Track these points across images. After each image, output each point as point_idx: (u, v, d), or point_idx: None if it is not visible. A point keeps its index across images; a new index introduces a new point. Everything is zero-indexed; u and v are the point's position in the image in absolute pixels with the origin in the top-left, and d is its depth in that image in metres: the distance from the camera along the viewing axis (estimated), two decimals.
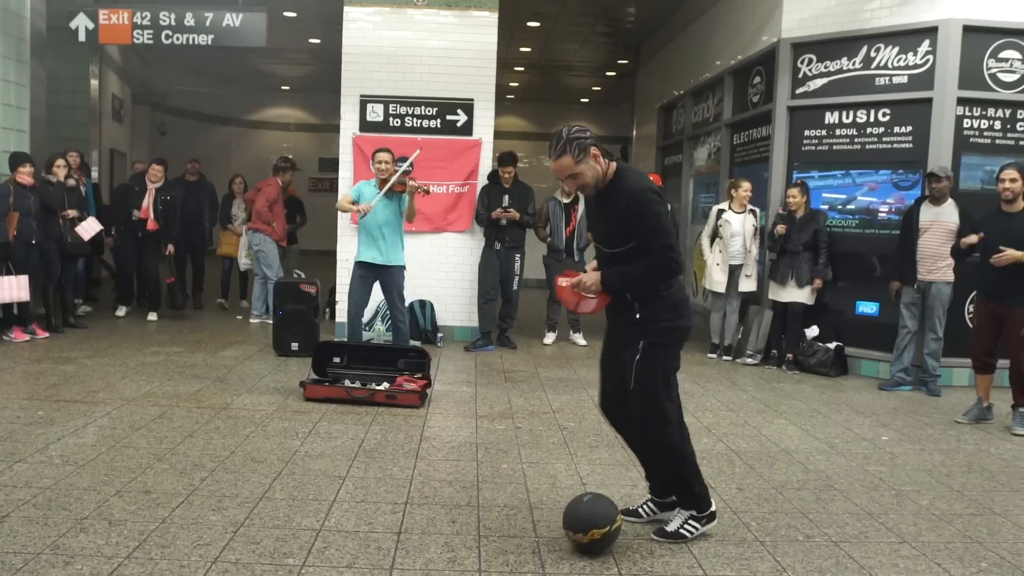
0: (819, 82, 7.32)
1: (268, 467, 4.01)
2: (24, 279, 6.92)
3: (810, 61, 7.38)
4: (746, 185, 7.35)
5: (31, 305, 7.19)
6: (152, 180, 8.45)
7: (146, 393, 5.42)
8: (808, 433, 5.11)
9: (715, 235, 7.46)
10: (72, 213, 7.56)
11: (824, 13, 7.24)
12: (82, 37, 7.71)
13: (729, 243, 7.30)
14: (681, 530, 3.30)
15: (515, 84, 15.86)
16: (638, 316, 3.20)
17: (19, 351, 6.69)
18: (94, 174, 10.79)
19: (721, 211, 7.44)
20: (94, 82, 11.55)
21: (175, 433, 4.52)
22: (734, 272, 7.36)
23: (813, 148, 7.38)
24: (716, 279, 7.44)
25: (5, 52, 7.46)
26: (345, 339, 6.56)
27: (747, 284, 7.32)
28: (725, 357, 7.51)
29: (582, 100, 17.62)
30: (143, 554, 2.98)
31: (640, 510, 3.53)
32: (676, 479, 3.35)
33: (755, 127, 8.25)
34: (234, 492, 3.65)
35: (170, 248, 8.70)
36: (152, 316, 8.57)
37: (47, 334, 7.32)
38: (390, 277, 6.18)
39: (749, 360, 7.31)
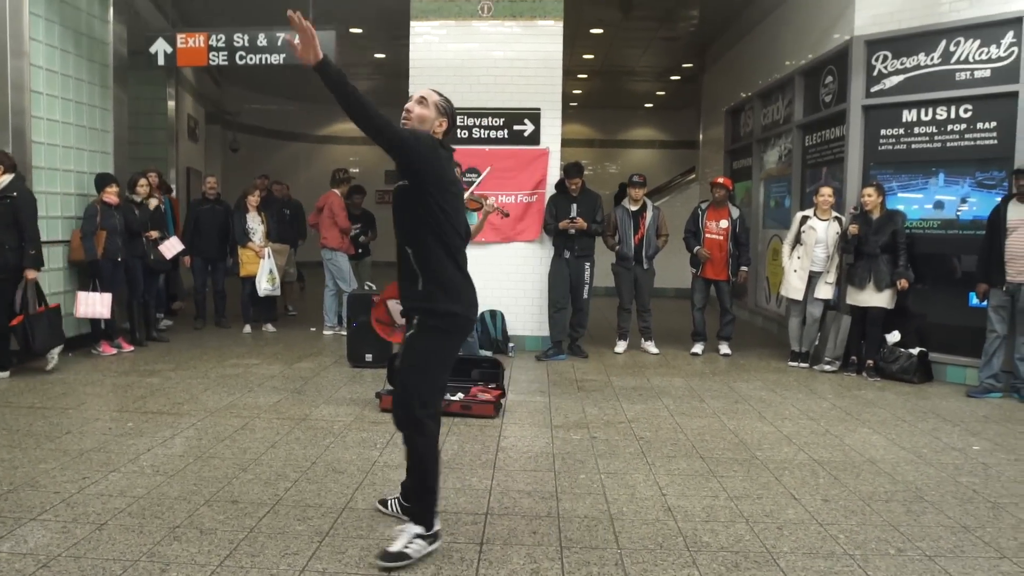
0: (895, 79, 7.12)
1: (349, 477, 4.07)
2: (108, 297, 7.19)
3: (885, 58, 7.17)
4: (826, 191, 7.18)
5: (117, 319, 7.46)
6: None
7: (228, 405, 5.57)
8: (894, 442, 4.94)
9: (796, 241, 7.30)
10: (155, 234, 7.85)
11: (899, 8, 7.04)
12: (161, 61, 7.97)
13: (812, 250, 7.13)
14: (406, 549, 3.04)
15: (578, 91, 15.86)
16: (420, 288, 3.09)
17: (107, 364, 6.94)
18: (172, 193, 11.18)
19: (805, 217, 7.28)
20: (171, 103, 11.96)
21: (258, 444, 4.63)
22: (813, 279, 7.18)
23: (890, 147, 7.16)
24: (794, 286, 7.27)
25: (90, 78, 7.77)
26: None
27: (826, 291, 7.13)
28: (803, 364, 7.33)
29: (646, 105, 17.52)
30: (234, 563, 3.04)
31: (390, 502, 3.57)
32: (416, 488, 3.18)
33: (828, 128, 8.07)
34: (317, 502, 3.71)
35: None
36: (247, 329, 8.90)
37: (132, 348, 7.59)
38: None
39: (827, 367, 7.12)
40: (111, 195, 7.30)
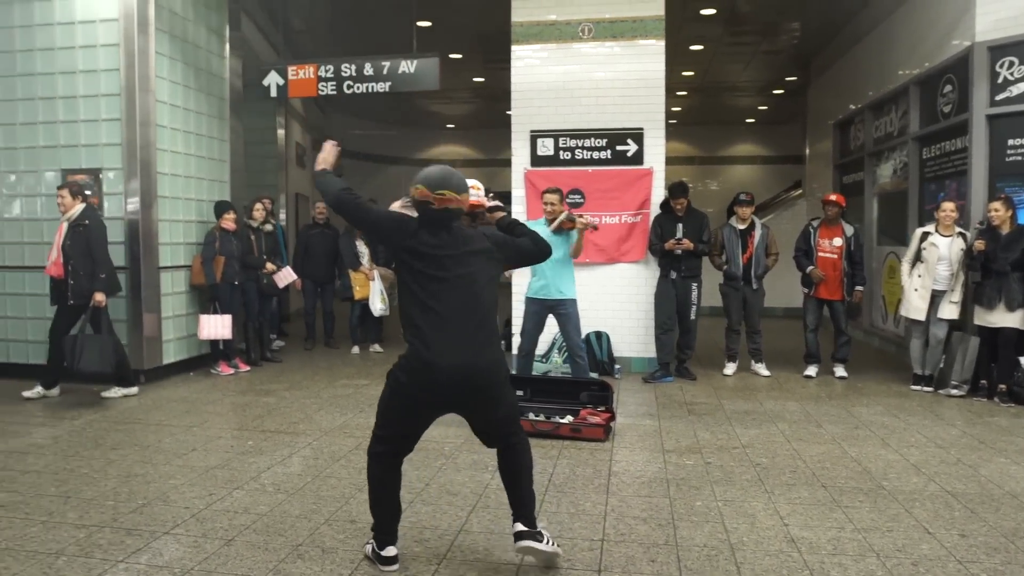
0: (1022, 86, 6.72)
1: (463, 500, 4.08)
2: (228, 319, 7.51)
3: (1011, 64, 6.79)
4: (948, 206, 6.81)
5: (234, 341, 7.78)
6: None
7: (341, 424, 5.69)
8: None
9: (916, 259, 6.95)
10: (271, 267, 8.17)
11: None
12: (274, 93, 8.33)
13: (935, 268, 6.77)
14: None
15: (678, 108, 15.67)
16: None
17: (226, 384, 7.23)
18: (281, 217, 11.63)
19: (926, 234, 6.94)
20: (280, 132, 12.47)
21: None
22: (936, 298, 6.82)
23: (1020, 158, 6.76)
24: (915, 305, 6.92)
25: (209, 111, 8.18)
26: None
27: (951, 311, 6.75)
28: (927, 388, 6.96)
29: (747, 120, 17.15)
30: None
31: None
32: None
33: (948, 139, 7.69)
34: (433, 524, 3.73)
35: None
36: (355, 350, 9.18)
37: (248, 368, 7.89)
38: (564, 310, 6.21)
39: (955, 391, 6.72)
40: (229, 222, 7.64)
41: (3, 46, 7.23)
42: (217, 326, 7.48)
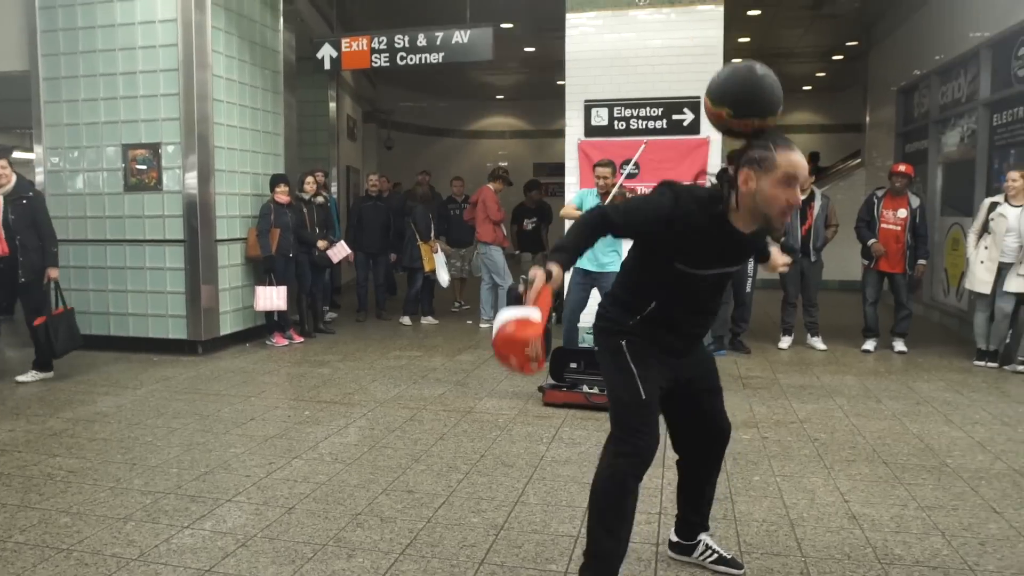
0: None
1: (518, 471, 4.10)
2: (283, 290, 7.63)
3: None
4: (1015, 175, 6.54)
5: (288, 312, 7.90)
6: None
7: (395, 396, 5.75)
8: None
9: (983, 230, 6.71)
10: (324, 244, 8.25)
11: None
12: (327, 65, 8.34)
13: (1002, 240, 6.53)
14: None
15: None
16: None
17: (281, 355, 7.35)
18: (333, 190, 11.72)
19: (994, 204, 6.68)
20: (332, 105, 12.53)
21: (427, 435, 4.75)
22: (1002, 270, 6.58)
23: None
24: (980, 278, 6.69)
25: (264, 84, 8.24)
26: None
27: (1019, 284, 6.50)
28: (991, 364, 6.75)
29: (805, 88, 16.72)
30: (415, 551, 3.12)
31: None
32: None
33: (1021, 105, 7.36)
34: (490, 495, 3.75)
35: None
36: (406, 320, 9.25)
37: (302, 339, 8.01)
38: (607, 283, 6.13)
39: (1021, 368, 6.51)
40: (282, 195, 7.72)
41: (65, 24, 7.37)
42: (272, 297, 7.60)
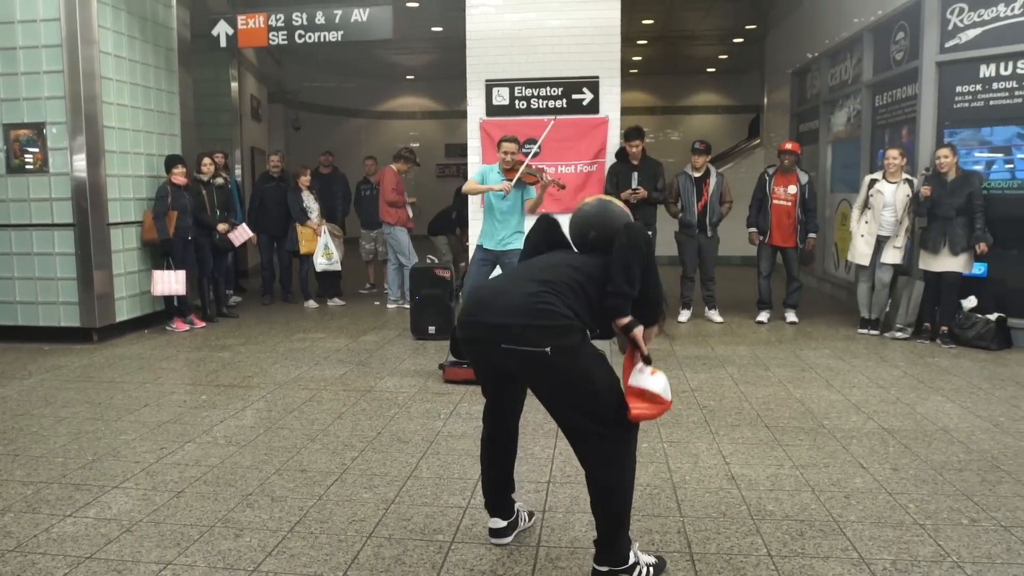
0: (972, 33, 6.78)
1: (413, 447, 4.14)
2: (182, 274, 7.44)
3: (960, 11, 6.84)
4: (893, 153, 6.91)
5: (188, 297, 7.71)
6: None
7: (296, 377, 5.71)
8: (969, 411, 4.78)
9: (865, 205, 7.07)
10: (224, 227, 8.04)
11: None
12: (223, 43, 8.12)
13: (880, 214, 6.90)
14: None
15: (638, 58, 15.60)
16: None
17: (180, 340, 7.18)
18: (237, 172, 11.45)
19: (873, 180, 7.04)
20: (234, 84, 12.20)
21: (325, 415, 4.74)
22: (881, 243, 6.96)
23: (967, 105, 6.85)
24: (860, 251, 7.06)
25: (156, 62, 7.97)
26: None
27: (894, 256, 6.89)
28: (873, 331, 7.14)
29: (708, 70, 17.15)
30: (304, 528, 3.14)
31: None
32: None
33: (899, 86, 7.76)
34: (383, 471, 3.79)
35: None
36: (310, 303, 9.10)
37: (204, 324, 7.83)
38: (508, 261, 6.20)
39: (899, 334, 6.91)
40: (179, 176, 7.50)
41: None
42: (170, 282, 7.40)
